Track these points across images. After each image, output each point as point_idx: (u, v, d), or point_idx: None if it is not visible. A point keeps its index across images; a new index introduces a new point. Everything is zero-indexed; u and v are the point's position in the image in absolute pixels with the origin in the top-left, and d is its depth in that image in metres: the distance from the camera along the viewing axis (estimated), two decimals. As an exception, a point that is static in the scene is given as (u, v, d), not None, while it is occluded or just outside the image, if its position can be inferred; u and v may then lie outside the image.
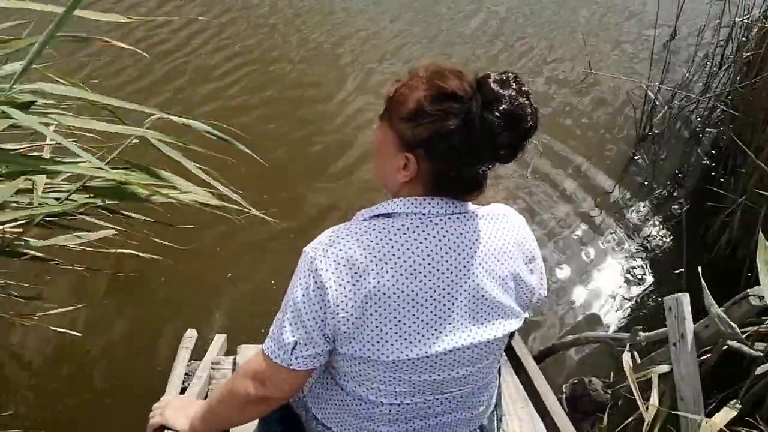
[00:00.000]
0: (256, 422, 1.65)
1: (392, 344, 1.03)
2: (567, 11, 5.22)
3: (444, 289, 1.04)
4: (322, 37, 4.69)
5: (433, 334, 1.04)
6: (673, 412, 1.57)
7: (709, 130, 3.93)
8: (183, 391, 1.77)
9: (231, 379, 1.21)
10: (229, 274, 2.87)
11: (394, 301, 1.01)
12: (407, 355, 1.04)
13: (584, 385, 2.12)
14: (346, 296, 1.01)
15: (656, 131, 3.92)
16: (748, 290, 1.64)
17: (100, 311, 2.65)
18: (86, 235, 1.97)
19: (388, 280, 1.00)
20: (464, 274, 1.04)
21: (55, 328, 2.30)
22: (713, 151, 3.79)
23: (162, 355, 2.49)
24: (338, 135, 3.83)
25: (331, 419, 1.22)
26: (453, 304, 1.04)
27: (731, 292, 2.36)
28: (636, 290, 2.99)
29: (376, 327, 1.02)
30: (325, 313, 1.02)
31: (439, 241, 1.04)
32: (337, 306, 1.01)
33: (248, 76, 4.22)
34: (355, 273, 1.00)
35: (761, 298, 1.62)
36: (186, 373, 1.87)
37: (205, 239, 2.94)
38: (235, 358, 1.88)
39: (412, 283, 1.01)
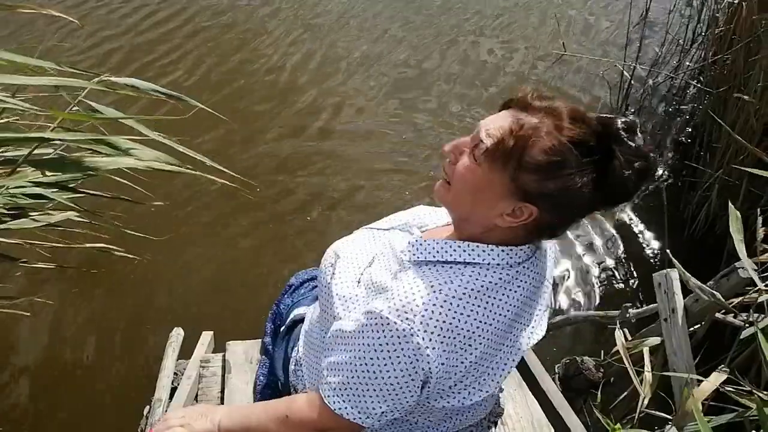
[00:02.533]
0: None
1: (478, 390, 1.00)
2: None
3: (523, 333, 1.01)
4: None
5: (504, 365, 1.02)
6: (666, 374, 1.57)
7: (684, 107, 3.96)
8: (173, 391, 1.73)
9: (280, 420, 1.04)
10: (208, 265, 2.85)
11: (492, 357, 0.98)
12: (480, 396, 1.01)
13: (577, 365, 2.13)
14: (453, 366, 0.94)
15: (632, 110, 3.95)
16: (736, 263, 1.66)
17: (74, 311, 2.61)
18: (45, 218, 1.81)
19: (490, 340, 0.95)
20: (534, 313, 1.03)
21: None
22: (689, 128, 3.82)
23: (143, 354, 2.45)
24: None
25: None
26: (526, 328, 1.02)
27: (714, 265, 2.40)
28: (620, 268, 3.01)
29: (471, 383, 0.99)
30: (426, 382, 0.96)
31: (528, 287, 0.98)
32: (446, 373, 0.95)
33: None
34: (463, 343, 0.92)
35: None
36: (174, 372, 1.83)
37: (177, 224, 2.94)
38: (224, 355, 1.84)
39: (506, 334, 0.97)
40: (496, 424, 1.44)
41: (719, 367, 1.42)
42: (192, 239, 2.94)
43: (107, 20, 4.64)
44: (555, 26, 4.59)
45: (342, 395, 0.97)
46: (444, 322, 0.90)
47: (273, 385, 1.46)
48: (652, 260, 3.06)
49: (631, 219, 3.27)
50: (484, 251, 0.95)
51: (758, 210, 1.67)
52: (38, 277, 2.62)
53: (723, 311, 1.81)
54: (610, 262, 3.04)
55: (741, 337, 1.56)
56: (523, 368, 1.84)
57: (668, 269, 1.78)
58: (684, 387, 1.49)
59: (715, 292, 1.66)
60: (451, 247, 0.96)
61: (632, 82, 3.91)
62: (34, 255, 2.12)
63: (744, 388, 1.37)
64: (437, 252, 0.97)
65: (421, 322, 0.89)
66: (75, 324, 2.56)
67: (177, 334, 1.97)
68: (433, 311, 0.90)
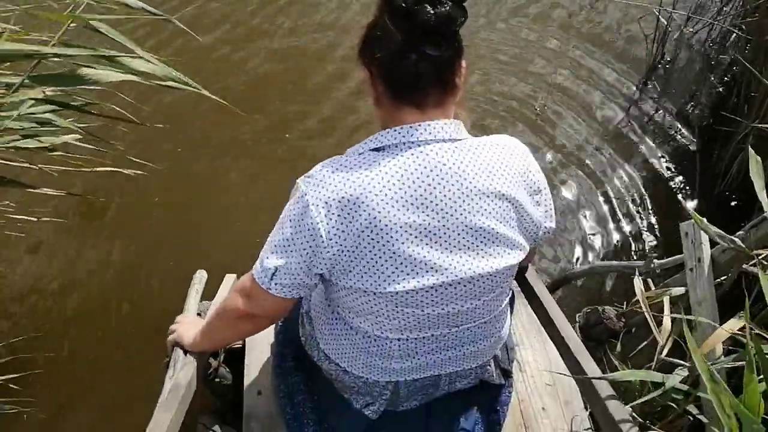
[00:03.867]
0: (271, 360, 1.67)
1: (389, 275, 1.02)
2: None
3: (439, 221, 1.00)
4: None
5: (430, 266, 1.02)
6: (684, 317, 1.53)
7: (723, 56, 3.81)
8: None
9: (227, 295, 1.26)
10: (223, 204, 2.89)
11: (387, 233, 0.99)
12: (404, 287, 1.02)
13: (598, 314, 2.12)
14: (339, 230, 0.99)
15: (668, 59, 3.81)
16: (766, 213, 1.60)
17: (92, 247, 2.68)
18: (48, 139, 1.91)
19: (379, 212, 0.98)
20: (459, 205, 1.01)
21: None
22: (726, 78, 3.68)
23: (164, 296, 2.52)
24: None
25: (342, 357, 1.23)
26: (449, 235, 1.02)
27: (745, 217, 2.33)
28: (650, 219, 2.96)
29: (372, 258, 1.00)
30: (315, 247, 1.01)
31: (431, 170, 1.00)
32: (331, 240, 1.00)
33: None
34: (348, 208, 0.98)
35: (781, 219, 1.60)
36: (198, 313, 1.87)
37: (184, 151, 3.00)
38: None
39: (404, 214, 0.98)
40: (507, 374, 1.44)
41: (738, 314, 1.39)
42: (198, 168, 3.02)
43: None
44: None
45: (259, 256, 1.09)
46: (333, 187, 0.99)
47: (292, 331, 1.50)
48: (683, 212, 3.00)
49: (664, 171, 3.19)
50: (382, 135, 1.03)
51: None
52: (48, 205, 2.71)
53: (752, 263, 1.77)
54: (637, 215, 2.98)
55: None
56: (542, 314, 1.83)
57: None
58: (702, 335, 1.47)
59: (735, 238, 1.61)
60: (366, 141, 1.06)
61: (669, 29, 3.76)
62: (42, 181, 2.19)
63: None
64: (361, 146, 1.06)
65: (315, 185, 1.01)
66: (91, 260, 2.65)
67: (201, 276, 2.00)
68: (325, 176, 1.01)
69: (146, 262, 2.66)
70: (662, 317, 1.65)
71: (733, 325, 1.30)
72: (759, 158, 1.49)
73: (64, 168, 2.12)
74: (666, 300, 1.60)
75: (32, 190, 2.02)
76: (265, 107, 3.38)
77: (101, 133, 2.21)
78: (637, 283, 1.66)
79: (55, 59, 1.53)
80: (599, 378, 1.28)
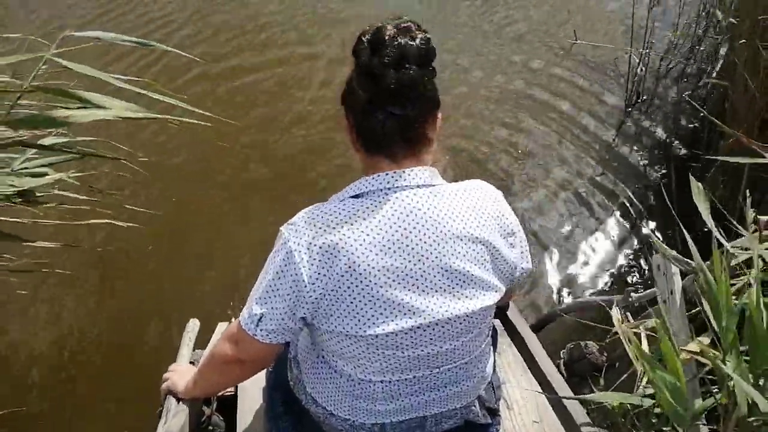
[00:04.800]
0: (263, 404, 1.70)
1: (368, 318, 1.06)
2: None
3: (416, 264, 1.06)
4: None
5: (408, 308, 1.07)
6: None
7: (697, 92, 3.95)
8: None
9: (207, 361, 1.31)
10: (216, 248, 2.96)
11: (366, 277, 1.04)
12: (384, 330, 1.07)
13: (581, 349, 2.17)
14: (321, 275, 1.04)
15: (644, 97, 3.95)
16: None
17: (86, 295, 2.72)
18: (43, 191, 1.91)
19: (358, 257, 1.03)
20: (435, 248, 1.06)
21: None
22: (702, 114, 3.81)
23: (156, 345, 2.55)
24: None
25: (328, 400, 1.25)
26: (425, 278, 1.07)
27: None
28: (628, 254, 3.03)
29: (352, 302, 1.05)
30: (298, 292, 1.06)
31: (407, 215, 1.06)
32: (313, 284, 1.05)
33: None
34: (329, 253, 1.03)
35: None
36: (191, 362, 1.91)
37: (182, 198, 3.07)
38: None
39: (382, 259, 1.04)
40: (494, 413, 1.48)
41: (703, 334, 1.45)
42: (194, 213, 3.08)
43: None
44: (565, 15, 4.61)
45: (246, 304, 1.12)
46: (315, 233, 1.04)
47: (281, 375, 1.54)
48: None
49: (641, 205, 3.28)
50: (360, 182, 1.09)
51: (746, 191, 1.69)
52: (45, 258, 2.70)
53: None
54: (617, 248, 3.06)
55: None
56: (524, 351, 1.88)
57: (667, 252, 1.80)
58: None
59: (690, 261, 1.66)
60: (347, 189, 1.11)
61: (643, 69, 3.91)
62: (39, 234, 2.23)
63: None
64: (342, 193, 1.11)
65: (297, 231, 1.05)
66: (85, 309, 2.68)
67: (194, 325, 2.04)
68: (307, 223, 1.06)
69: (138, 310, 2.70)
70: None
71: (697, 346, 1.35)
72: (700, 185, 1.59)
73: (58, 222, 2.14)
74: (642, 330, 1.65)
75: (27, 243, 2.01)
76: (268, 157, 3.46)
77: (95, 180, 2.26)
78: (615, 313, 1.71)
79: (28, 102, 1.56)
80: (578, 398, 1.32)
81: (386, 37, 1.01)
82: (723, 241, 1.50)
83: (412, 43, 1.01)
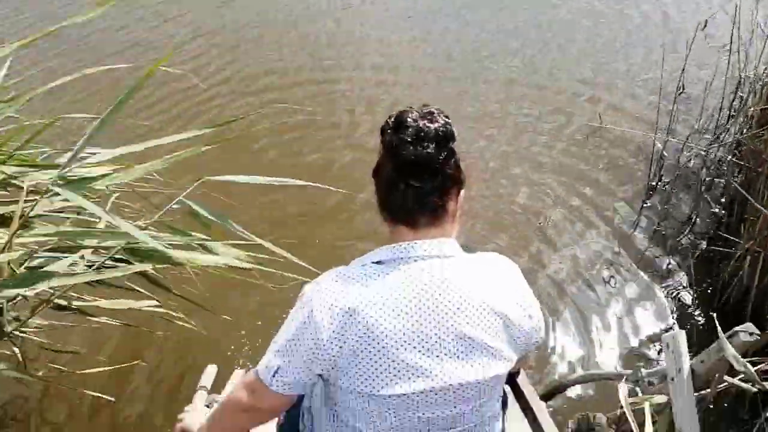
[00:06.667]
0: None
1: (383, 379, 1.13)
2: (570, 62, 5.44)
3: (431, 330, 1.13)
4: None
5: (421, 372, 1.13)
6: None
7: (718, 180, 4.00)
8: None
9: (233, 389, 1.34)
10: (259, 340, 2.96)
11: (382, 340, 1.11)
12: (397, 391, 1.13)
13: (588, 421, 2.17)
14: (339, 335, 1.12)
15: (666, 181, 4.02)
16: (736, 327, 1.72)
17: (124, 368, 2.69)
18: (128, 302, 2.02)
19: (377, 320, 1.11)
20: (450, 316, 1.14)
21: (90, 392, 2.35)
22: (723, 200, 3.86)
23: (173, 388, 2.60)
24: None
25: None
26: (440, 343, 1.13)
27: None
28: (646, 332, 3.03)
29: (367, 363, 1.12)
30: (316, 349, 1.13)
31: (425, 283, 1.14)
32: (331, 343, 1.12)
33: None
34: (348, 315, 1.12)
35: (750, 333, 1.70)
36: (206, 405, 1.97)
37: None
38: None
39: (399, 323, 1.12)
40: None
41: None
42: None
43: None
44: (592, 94, 4.77)
45: (265, 355, 1.20)
46: (337, 294, 1.13)
47: (294, 425, 1.59)
48: (682, 327, 3.07)
49: (662, 287, 3.30)
50: (382, 250, 1.20)
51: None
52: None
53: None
54: (634, 327, 3.06)
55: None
56: (531, 419, 1.91)
57: (675, 330, 1.85)
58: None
59: (731, 355, 1.70)
60: (368, 255, 1.21)
61: (665, 153, 4.00)
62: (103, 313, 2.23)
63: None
64: (364, 258, 1.21)
65: (319, 292, 1.15)
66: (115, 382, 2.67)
67: (211, 370, 2.12)
68: (330, 285, 1.15)
69: (156, 354, 2.78)
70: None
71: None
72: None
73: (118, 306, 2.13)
74: (647, 406, 1.68)
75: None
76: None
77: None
78: (622, 388, 1.75)
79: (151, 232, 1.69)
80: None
81: (408, 119, 1.13)
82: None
83: (431, 125, 1.13)
